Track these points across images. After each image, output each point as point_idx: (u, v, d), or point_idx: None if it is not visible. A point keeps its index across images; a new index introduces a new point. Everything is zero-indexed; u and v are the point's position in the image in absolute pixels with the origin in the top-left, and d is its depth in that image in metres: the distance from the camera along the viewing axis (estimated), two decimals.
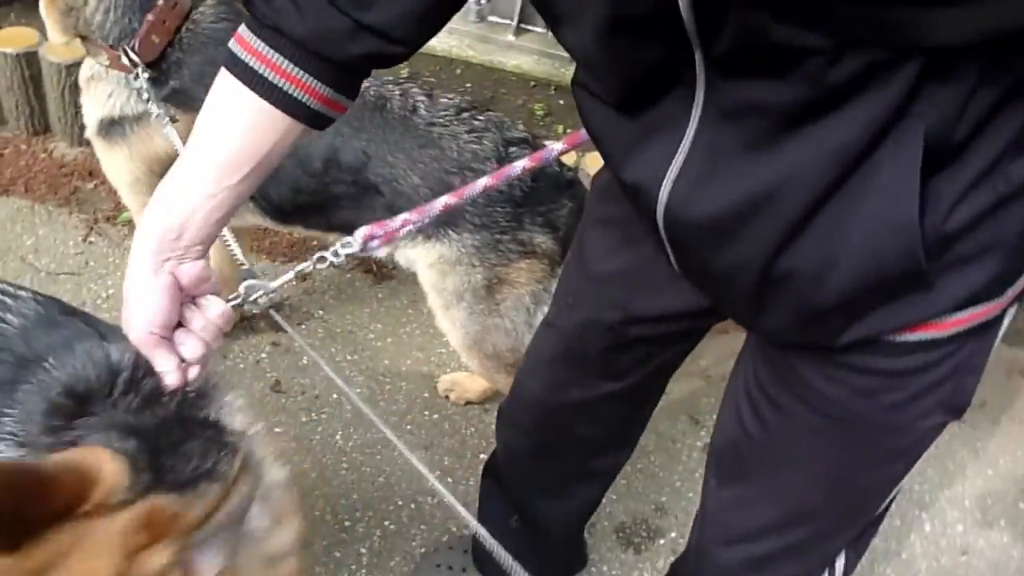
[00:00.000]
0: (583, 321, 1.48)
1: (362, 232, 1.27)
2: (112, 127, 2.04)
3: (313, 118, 1.11)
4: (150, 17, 1.92)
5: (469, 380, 2.50)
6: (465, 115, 2.00)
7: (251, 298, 1.23)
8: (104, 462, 0.94)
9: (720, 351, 2.47)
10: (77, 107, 2.20)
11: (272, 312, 1.31)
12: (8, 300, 1.40)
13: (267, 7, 1.04)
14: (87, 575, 0.88)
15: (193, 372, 1.13)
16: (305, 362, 2.57)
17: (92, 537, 0.88)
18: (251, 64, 1.06)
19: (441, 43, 3.41)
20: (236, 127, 1.09)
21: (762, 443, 1.27)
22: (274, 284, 1.22)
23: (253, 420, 1.32)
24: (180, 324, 1.12)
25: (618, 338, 1.46)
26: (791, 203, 0.92)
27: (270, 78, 1.06)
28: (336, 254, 1.26)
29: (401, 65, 3.75)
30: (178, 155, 1.72)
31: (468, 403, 2.54)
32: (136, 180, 2.09)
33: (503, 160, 1.92)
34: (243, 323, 2.60)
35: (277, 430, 2.40)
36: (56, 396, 1.14)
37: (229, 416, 1.29)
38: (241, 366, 2.54)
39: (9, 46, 2.90)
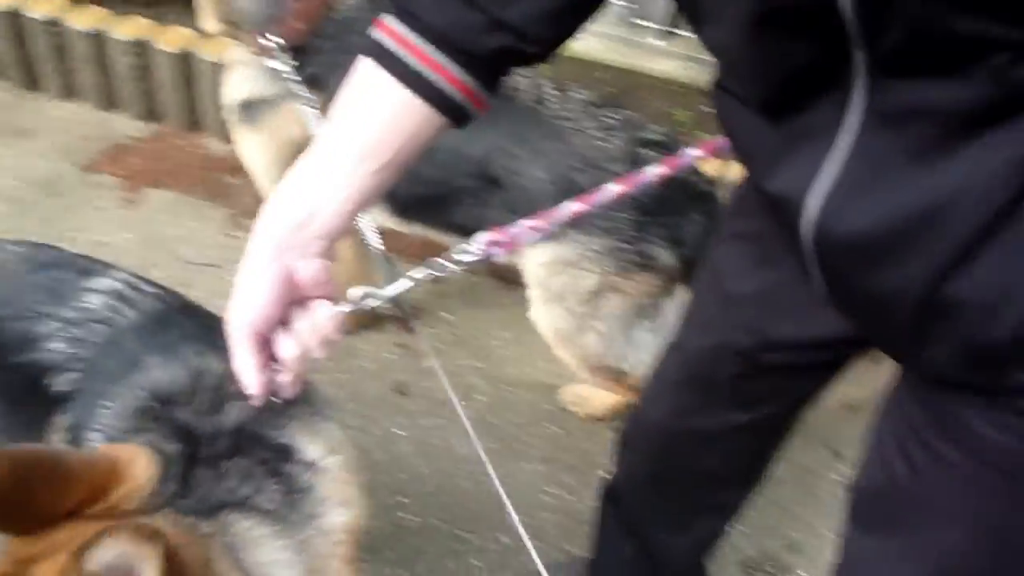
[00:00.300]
0: (713, 345, 1.37)
1: (485, 238, 1.19)
2: (249, 110, 2.07)
3: (452, 110, 1.06)
4: (294, 4, 1.94)
5: (595, 395, 2.42)
6: (596, 111, 1.91)
7: (365, 306, 1.15)
8: (138, 464, 0.94)
9: (867, 378, 2.28)
10: None
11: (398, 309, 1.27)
12: (133, 294, 1.42)
13: (408, 1, 1.03)
14: None
15: (284, 378, 1.09)
16: (427, 366, 2.55)
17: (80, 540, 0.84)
18: (392, 49, 1.02)
19: (583, 45, 3.33)
20: (374, 115, 1.04)
21: (912, 493, 1.12)
22: (388, 292, 1.16)
23: (333, 452, 1.28)
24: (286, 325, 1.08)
25: (750, 365, 1.34)
26: (963, 221, 0.80)
27: (412, 64, 1.02)
28: (455, 262, 1.19)
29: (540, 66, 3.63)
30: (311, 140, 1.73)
31: (592, 418, 2.46)
32: (269, 163, 2.12)
33: (635, 162, 1.81)
34: (371, 323, 2.62)
35: (397, 431, 2.39)
36: (146, 395, 1.14)
37: (306, 443, 1.25)
38: (366, 366, 2.54)
39: (169, 45, 3.03)
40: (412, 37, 1.02)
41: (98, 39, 3.11)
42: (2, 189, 2.95)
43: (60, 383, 1.41)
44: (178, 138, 3.19)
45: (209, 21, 2.05)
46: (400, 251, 2.85)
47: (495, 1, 0.98)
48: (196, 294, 1.56)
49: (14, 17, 3.16)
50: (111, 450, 0.95)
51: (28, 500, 0.85)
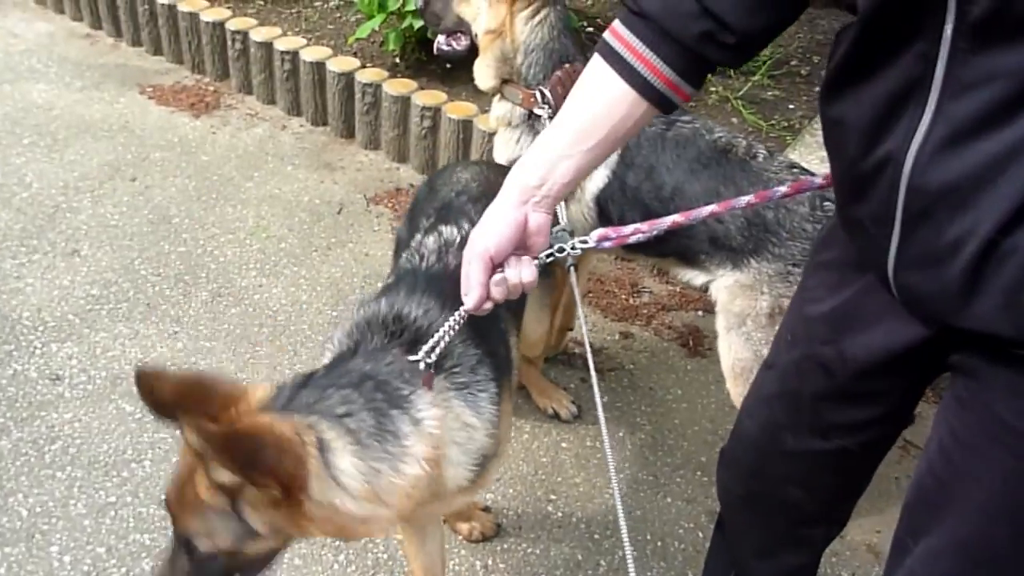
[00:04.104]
0: (799, 358, 1.53)
1: (597, 233, 1.51)
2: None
3: (658, 99, 1.31)
4: (558, 73, 2.45)
5: None
6: (795, 170, 2.23)
7: (545, 261, 1.43)
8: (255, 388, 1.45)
9: None
10: None
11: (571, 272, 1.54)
12: (445, 250, 1.92)
13: None
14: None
15: (488, 306, 1.40)
16: (605, 400, 2.89)
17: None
18: (614, 47, 1.32)
19: None
20: (595, 100, 1.34)
21: (952, 490, 1.27)
22: (579, 245, 1.46)
23: (446, 425, 1.57)
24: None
25: (831, 387, 1.49)
26: None
27: (627, 58, 1.30)
28: (574, 247, 1.47)
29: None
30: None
31: None
32: None
33: (815, 209, 2.14)
34: (562, 356, 3.02)
35: (563, 444, 2.73)
36: (367, 315, 1.72)
37: (428, 406, 1.53)
38: None
39: (455, 114, 3.71)
40: (630, 37, 1.30)
41: (404, 104, 3.86)
42: (306, 204, 3.72)
43: (388, 279, 1.95)
44: None
45: (488, 78, 2.57)
46: (604, 308, 3.27)
47: None
48: None
49: (348, 79, 4.00)
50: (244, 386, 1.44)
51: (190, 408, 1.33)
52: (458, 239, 1.93)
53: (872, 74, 1.12)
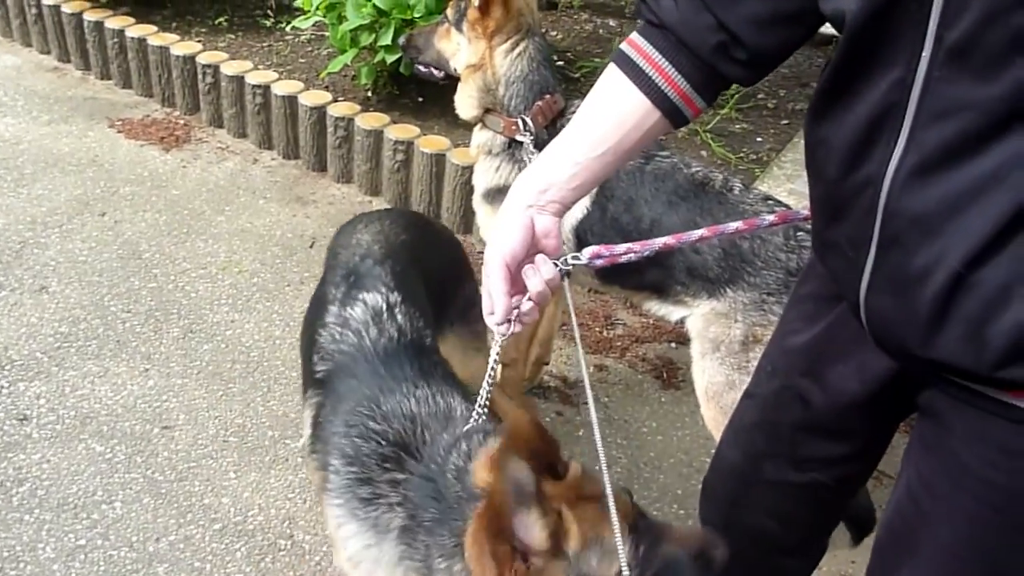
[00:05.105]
0: (778, 388, 1.56)
1: (590, 251, 1.48)
2: (498, 195, 2.56)
3: (671, 110, 1.32)
4: (539, 103, 2.49)
5: None
6: (770, 202, 2.29)
7: (566, 267, 1.40)
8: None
9: None
10: (464, 204, 2.73)
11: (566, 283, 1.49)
12: (380, 319, 1.83)
13: (655, 4, 1.31)
14: None
15: (525, 305, 1.37)
16: (580, 435, 2.90)
17: None
18: (631, 56, 1.33)
19: None
20: (608, 108, 1.34)
21: (919, 532, 1.30)
22: (572, 260, 1.42)
23: None
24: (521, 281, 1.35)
25: (807, 419, 1.51)
26: (996, 203, 0.99)
27: (643, 67, 1.31)
28: (566, 263, 1.42)
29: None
30: None
31: None
32: None
33: (788, 239, 2.18)
34: (538, 389, 3.03)
35: None
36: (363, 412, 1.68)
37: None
38: None
39: (428, 148, 3.72)
40: (646, 46, 1.31)
41: (376, 138, 3.88)
42: (278, 238, 3.70)
43: (319, 365, 1.80)
44: None
45: (470, 108, 2.60)
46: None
47: (720, 5, 1.24)
48: None
49: (320, 113, 4.01)
50: None
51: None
52: (384, 305, 1.85)
53: (854, 97, 1.14)
